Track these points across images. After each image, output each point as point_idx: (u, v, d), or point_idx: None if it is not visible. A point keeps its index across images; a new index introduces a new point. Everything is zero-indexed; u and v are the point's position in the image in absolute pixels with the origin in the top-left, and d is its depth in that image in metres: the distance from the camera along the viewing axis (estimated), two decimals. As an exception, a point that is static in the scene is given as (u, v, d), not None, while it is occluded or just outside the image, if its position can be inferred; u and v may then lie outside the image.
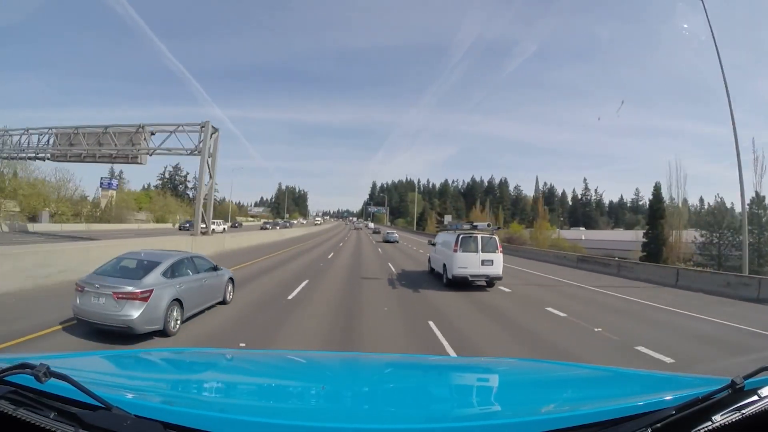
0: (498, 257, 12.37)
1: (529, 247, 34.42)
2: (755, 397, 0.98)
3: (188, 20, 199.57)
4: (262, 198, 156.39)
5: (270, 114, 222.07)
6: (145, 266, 6.65)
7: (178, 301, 6.65)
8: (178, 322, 6.66)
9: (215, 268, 8.49)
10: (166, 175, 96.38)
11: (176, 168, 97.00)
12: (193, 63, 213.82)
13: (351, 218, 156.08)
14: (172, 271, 6.86)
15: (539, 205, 56.39)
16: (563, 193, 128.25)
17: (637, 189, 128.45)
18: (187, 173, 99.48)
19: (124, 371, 1.70)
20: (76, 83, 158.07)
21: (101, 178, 61.26)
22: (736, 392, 0.97)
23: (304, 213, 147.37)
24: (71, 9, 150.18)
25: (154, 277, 6.38)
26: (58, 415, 0.94)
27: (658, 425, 0.95)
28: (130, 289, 6.01)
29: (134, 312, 5.90)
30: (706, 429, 0.93)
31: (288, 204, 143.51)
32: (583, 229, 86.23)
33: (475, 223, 13.56)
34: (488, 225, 13.63)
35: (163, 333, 6.32)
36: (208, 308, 8.02)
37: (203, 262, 8.27)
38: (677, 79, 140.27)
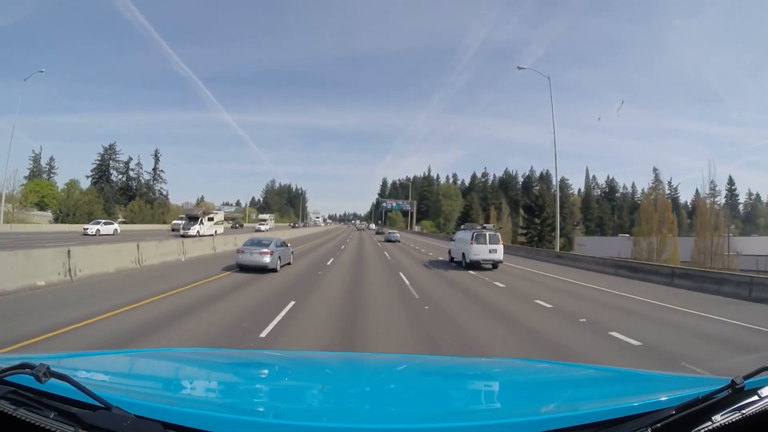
0: (500, 247, 17.89)
1: None
2: (755, 397, 0.98)
3: (197, 25, 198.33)
4: (253, 198, 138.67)
5: (278, 119, 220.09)
6: (266, 242, 14.65)
7: (279, 257, 14.70)
8: (279, 266, 14.65)
9: (286, 244, 16.48)
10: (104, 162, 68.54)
11: (111, 149, 67.92)
12: (202, 68, 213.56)
13: (354, 221, 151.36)
14: (276, 244, 14.78)
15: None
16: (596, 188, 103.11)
17: (712, 182, 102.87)
18: (130, 159, 72.52)
19: (124, 371, 1.70)
20: (84, 88, 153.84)
21: None
22: (736, 392, 0.97)
23: (299, 214, 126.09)
24: (79, 14, 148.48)
25: (273, 246, 14.44)
26: (58, 415, 0.94)
27: (658, 425, 0.95)
28: (266, 250, 14.00)
29: (268, 260, 13.81)
30: (706, 429, 0.93)
31: (280, 203, 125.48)
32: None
33: (484, 224, 19.60)
34: (493, 226, 19.53)
35: (274, 270, 14.05)
36: (285, 265, 15.68)
37: (282, 240, 16.51)
38: (682, 80, 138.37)
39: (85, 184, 67.96)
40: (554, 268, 20.00)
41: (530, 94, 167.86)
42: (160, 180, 79.07)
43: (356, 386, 1.68)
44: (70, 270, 10.57)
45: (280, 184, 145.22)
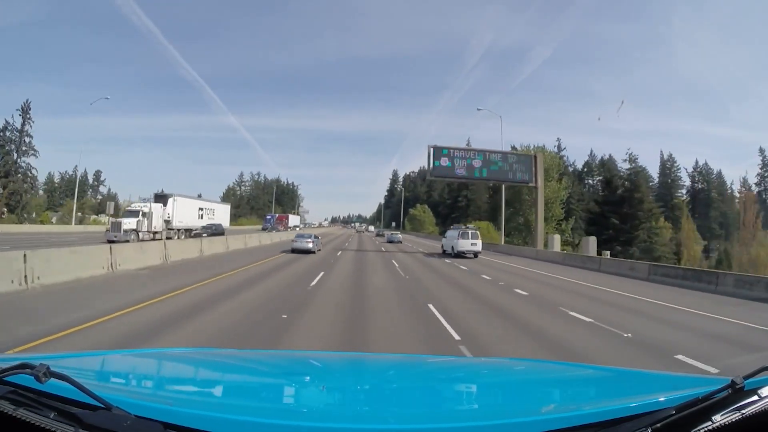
0: (479, 242, 25.43)
1: None
2: (755, 397, 0.98)
3: (202, 28, 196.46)
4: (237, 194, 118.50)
5: (283, 122, 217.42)
6: (307, 236, 25.15)
7: (316, 244, 24.77)
8: (317, 251, 24.26)
9: (317, 237, 26.27)
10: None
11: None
12: (207, 71, 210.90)
13: (354, 224, 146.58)
14: (314, 237, 25.32)
15: None
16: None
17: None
18: (31, 123, 47.54)
19: (124, 371, 1.70)
20: (88, 91, 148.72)
21: None
22: (736, 392, 0.97)
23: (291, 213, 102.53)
24: (84, 16, 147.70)
25: (312, 238, 24.75)
26: (58, 415, 0.93)
27: (658, 425, 0.95)
28: (310, 239, 24.46)
29: (311, 245, 23.86)
30: (706, 429, 0.93)
31: (264, 201, 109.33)
32: None
33: (467, 225, 28.36)
34: (474, 227, 28.12)
35: (313, 252, 23.52)
36: (317, 250, 24.51)
37: (315, 235, 26.66)
38: (686, 81, 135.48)
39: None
40: None
41: (543, 93, 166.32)
42: (30, 152, 49.26)
43: (357, 386, 1.68)
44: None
45: (265, 177, 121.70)
